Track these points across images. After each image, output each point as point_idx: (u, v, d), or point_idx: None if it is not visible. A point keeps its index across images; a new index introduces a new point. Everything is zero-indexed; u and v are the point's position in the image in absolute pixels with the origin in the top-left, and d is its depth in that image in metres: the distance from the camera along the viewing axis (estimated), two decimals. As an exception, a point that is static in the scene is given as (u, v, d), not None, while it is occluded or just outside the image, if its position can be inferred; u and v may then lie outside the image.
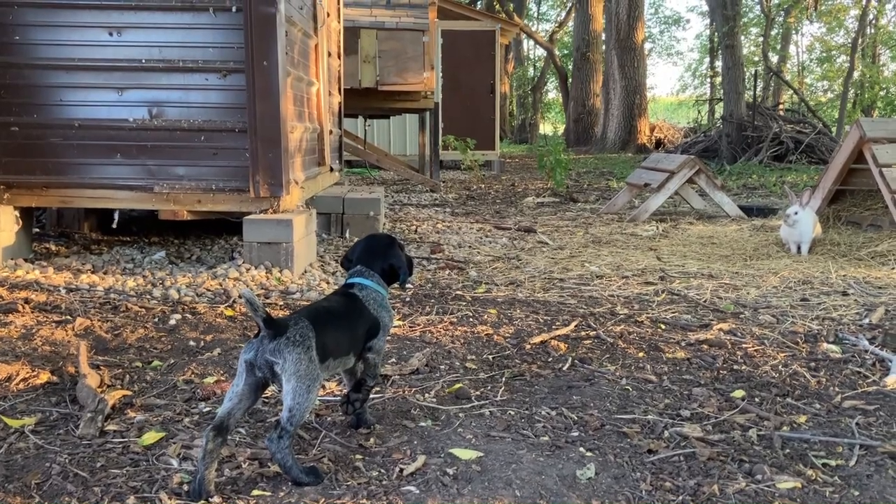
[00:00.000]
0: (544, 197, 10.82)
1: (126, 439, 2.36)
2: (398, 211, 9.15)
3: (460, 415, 2.61)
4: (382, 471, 2.17)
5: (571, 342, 3.58)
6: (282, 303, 4.28)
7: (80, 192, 5.14)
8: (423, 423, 2.53)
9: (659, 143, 22.12)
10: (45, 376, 2.87)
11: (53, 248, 5.73)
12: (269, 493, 2.02)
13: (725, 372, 3.18)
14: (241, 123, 5.07)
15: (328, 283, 4.85)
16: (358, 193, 7.05)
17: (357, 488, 2.06)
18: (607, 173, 15.36)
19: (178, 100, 5.07)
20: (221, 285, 4.56)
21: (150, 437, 2.37)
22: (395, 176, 13.11)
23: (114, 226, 5.35)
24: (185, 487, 2.04)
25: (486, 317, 4.05)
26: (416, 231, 7.33)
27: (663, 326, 3.90)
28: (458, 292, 4.65)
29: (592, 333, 3.70)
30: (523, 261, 5.85)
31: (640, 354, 3.41)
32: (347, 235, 6.62)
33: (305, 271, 5.13)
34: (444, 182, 12.91)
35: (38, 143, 5.08)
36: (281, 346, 2.03)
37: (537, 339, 3.58)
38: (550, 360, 3.30)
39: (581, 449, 2.33)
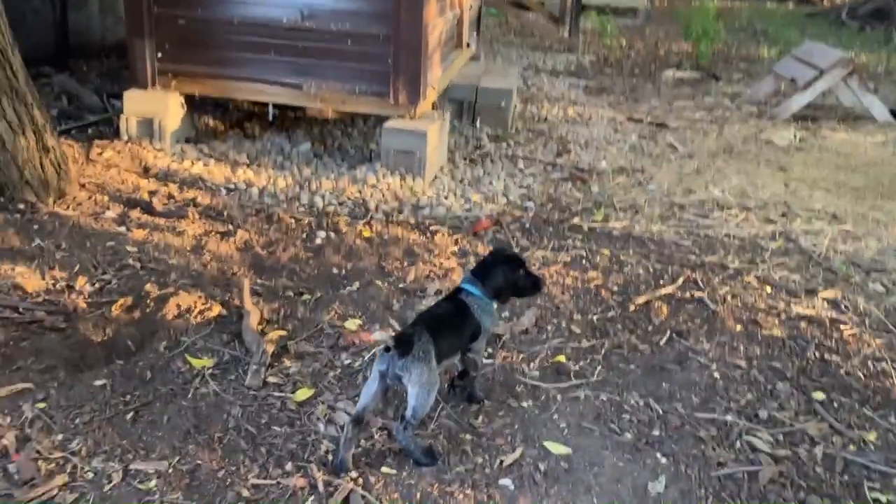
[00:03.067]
0: (685, 70, 10.48)
1: (283, 393, 2.91)
2: (530, 81, 9.17)
3: (558, 397, 3.01)
4: (486, 457, 2.63)
5: (675, 305, 3.85)
6: (413, 221, 4.69)
7: (237, 84, 5.58)
8: (524, 404, 2.95)
9: (826, -7, 20.26)
10: (216, 309, 3.44)
11: (212, 122, 6.27)
12: (394, 472, 2.52)
13: (815, 362, 3.41)
14: (385, 30, 5.28)
15: (455, 195, 5.20)
16: (492, 78, 7.15)
17: (464, 475, 2.53)
18: (761, 34, 14.46)
19: (328, 3, 5.29)
20: (361, 193, 5.00)
21: (303, 393, 2.91)
22: (535, 32, 12.79)
23: (269, 119, 5.80)
24: (330, 457, 2.57)
25: (598, 259, 4.33)
26: (545, 119, 7.45)
27: (769, 290, 4.09)
28: (576, 220, 4.90)
29: (697, 295, 3.95)
30: (647, 174, 5.97)
31: (738, 328, 3.65)
32: (478, 125, 6.85)
33: (436, 177, 5.49)
34: (582, 34, 12.56)
35: (201, 37, 5.49)
36: (408, 363, 2.45)
37: (642, 299, 3.87)
38: (650, 329, 3.61)
39: (658, 454, 2.71)
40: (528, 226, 4.78)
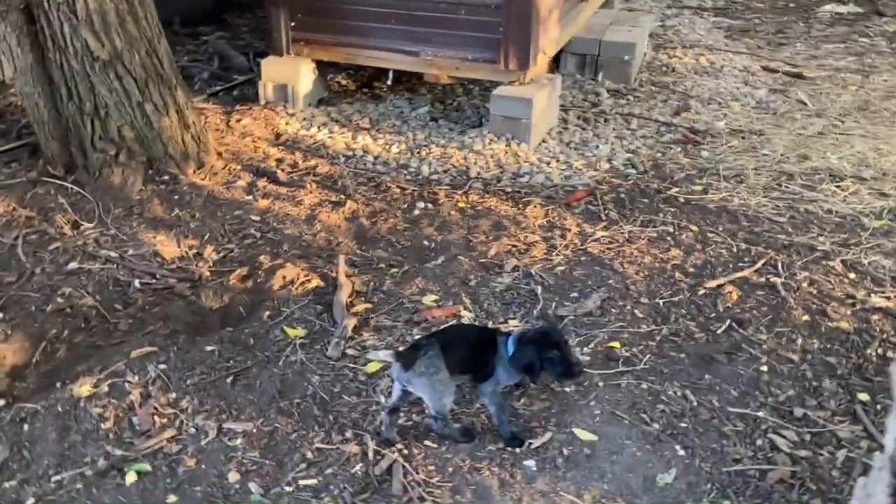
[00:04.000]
0: (847, 3, 9.77)
1: (357, 365, 3.39)
2: (670, 21, 8.93)
3: (600, 383, 3.29)
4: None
5: (746, 290, 3.95)
6: (509, 189, 4.99)
7: (361, 51, 6.01)
8: (566, 388, 3.26)
9: None
10: (315, 281, 3.95)
11: (344, 82, 6.77)
12: (434, 446, 2.95)
13: (873, 359, 3.46)
14: (497, 0, 5.48)
15: (557, 160, 5.42)
16: (618, 30, 7.11)
17: (495, 454, 2.92)
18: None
19: (443, -25, 5.55)
20: (465, 160, 5.33)
21: (373, 366, 3.37)
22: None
23: (388, 83, 6.21)
24: (382, 429, 3.02)
25: (683, 236, 4.45)
26: (672, 70, 7.34)
27: (852, 276, 4.08)
28: (674, 190, 5.00)
29: (772, 280, 4.02)
30: (764, 137, 5.86)
31: (804, 318, 3.73)
32: (600, 79, 6.90)
33: (543, 141, 5.71)
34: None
35: (329, 6, 5.92)
36: (411, 377, 2.82)
37: (713, 283, 4.00)
38: (712, 316, 3.76)
39: (677, 446, 2.96)
40: (622, 196, 4.94)
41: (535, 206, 4.78)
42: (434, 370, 2.82)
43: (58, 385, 3.18)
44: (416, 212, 4.72)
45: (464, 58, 5.72)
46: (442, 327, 3.49)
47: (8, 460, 2.86)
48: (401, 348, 2.90)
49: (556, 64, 6.91)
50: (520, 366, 2.90)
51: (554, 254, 4.28)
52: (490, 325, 3.66)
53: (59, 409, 3.04)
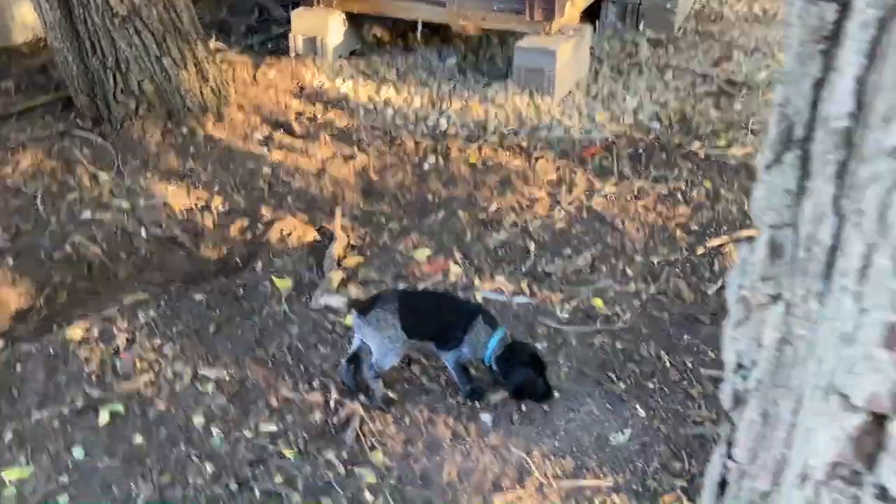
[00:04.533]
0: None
1: (336, 317, 3.46)
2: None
3: (573, 342, 3.27)
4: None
5: (748, 249, 3.83)
6: (524, 144, 4.92)
7: (389, 2, 5.98)
8: (539, 345, 3.25)
9: None
10: (311, 234, 4.03)
11: (379, 32, 6.75)
12: (396, 397, 3.00)
13: (870, 325, 3.31)
14: (521, -53, 5.35)
15: (580, 114, 5.30)
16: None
17: (453, 407, 2.96)
18: None
19: (467, -77, 5.43)
20: (485, 113, 5.27)
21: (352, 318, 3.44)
22: None
23: (417, 35, 6.16)
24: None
25: (695, 193, 4.32)
26: (721, 18, 7.03)
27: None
28: (696, 145, 4.83)
29: (778, 240, 3.88)
30: (805, 89, 5.57)
31: (805, 280, 3.59)
32: (641, 28, 6.67)
33: (570, 93, 5.58)
34: None
35: (356, -42, 5.90)
36: (362, 324, 2.87)
37: (715, 242, 3.89)
38: (706, 276, 3.67)
39: (638, 406, 2.93)
40: (640, 151, 4.81)
41: (546, 161, 4.71)
42: (384, 324, 2.87)
43: (54, 328, 3.37)
44: (426, 166, 4.72)
45: (489, 8, 5.63)
46: (424, 289, 3.52)
47: (-2, 397, 3.07)
48: (362, 297, 2.95)
49: (594, 14, 6.71)
50: (513, 387, 2.90)
51: (556, 210, 4.23)
52: (477, 281, 3.66)
53: (51, 351, 3.23)
